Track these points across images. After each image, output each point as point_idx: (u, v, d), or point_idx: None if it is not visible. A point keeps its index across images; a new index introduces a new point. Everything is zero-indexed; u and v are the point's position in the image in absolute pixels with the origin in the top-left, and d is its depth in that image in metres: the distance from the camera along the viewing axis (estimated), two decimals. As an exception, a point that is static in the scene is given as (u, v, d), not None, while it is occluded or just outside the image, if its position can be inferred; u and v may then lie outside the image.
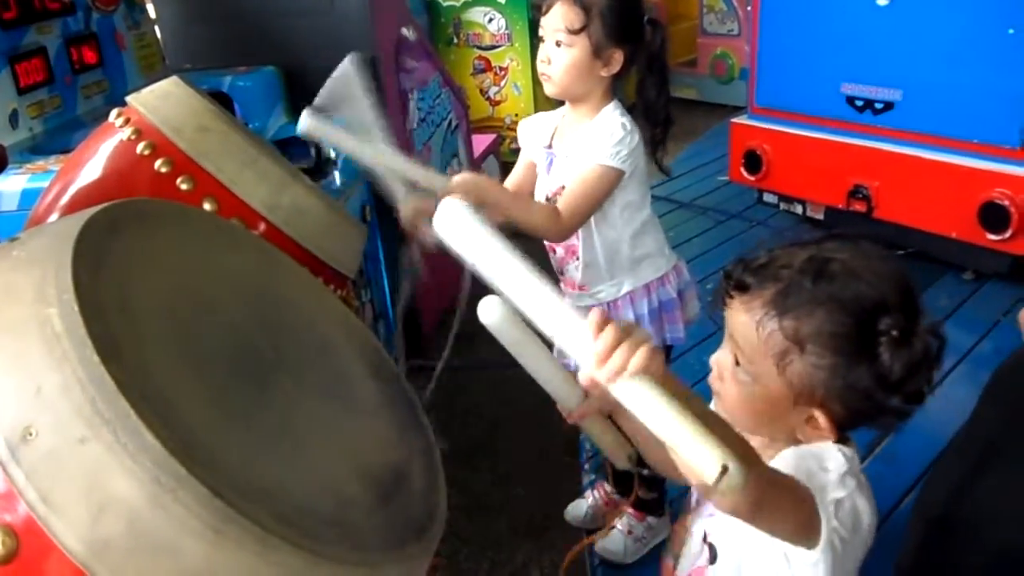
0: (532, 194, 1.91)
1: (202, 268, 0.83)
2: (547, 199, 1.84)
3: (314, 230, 1.39)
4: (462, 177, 1.60)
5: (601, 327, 0.74)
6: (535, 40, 5.31)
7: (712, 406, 1.09)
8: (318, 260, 1.39)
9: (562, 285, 1.95)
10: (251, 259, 0.94)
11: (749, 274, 1.02)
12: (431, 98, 3.54)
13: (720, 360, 1.08)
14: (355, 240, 1.51)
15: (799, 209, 4.03)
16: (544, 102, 5.35)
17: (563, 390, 1.02)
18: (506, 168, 4.70)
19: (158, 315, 0.72)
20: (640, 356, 0.72)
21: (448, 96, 3.73)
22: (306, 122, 1.56)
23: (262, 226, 1.34)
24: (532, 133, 1.95)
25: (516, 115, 5.48)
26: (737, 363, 1.03)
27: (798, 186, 3.96)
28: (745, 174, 4.10)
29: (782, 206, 4.11)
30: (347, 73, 1.58)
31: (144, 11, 3.08)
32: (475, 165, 4.10)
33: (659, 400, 0.70)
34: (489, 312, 0.88)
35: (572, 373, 0.96)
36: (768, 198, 4.16)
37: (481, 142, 4.43)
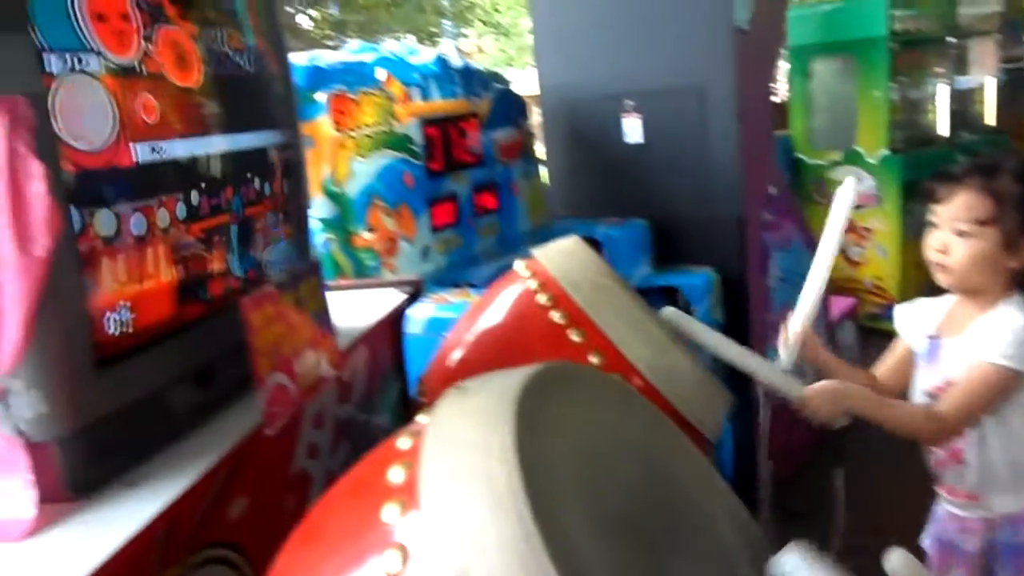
0: (893, 388, 1.79)
1: (609, 436, 0.89)
2: (927, 393, 1.70)
3: (687, 393, 1.41)
4: (820, 387, 1.56)
5: None
6: (907, 204, 5.06)
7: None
8: (687, 423, 1.41)
9: (942, 492, 1.76)
10: (644, 424, 0.98)
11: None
12: (793, 259, 3.49)
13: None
14: (722, 406, 1.50)
15: None
16: (913, 269, 5.04)
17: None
18: (864, 334, 4.45)
19: (573, 477, 0.78)
20: None
21: (810, 258, 3.64)
22: (669, 311, 1.64)
23: (638, 381, 1.39)
24: (914, 320, 1.82)
25: (879, 279, 5.19)
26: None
27: None
28: None
29: None
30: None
31: (538, 164, 3.46)
32: (831, 328, 3.92)
33: None
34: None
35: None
36: None
37: (839, 304, 4.24)
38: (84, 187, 0.95)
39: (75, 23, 0.95)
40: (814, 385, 1.56)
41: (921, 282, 1.81)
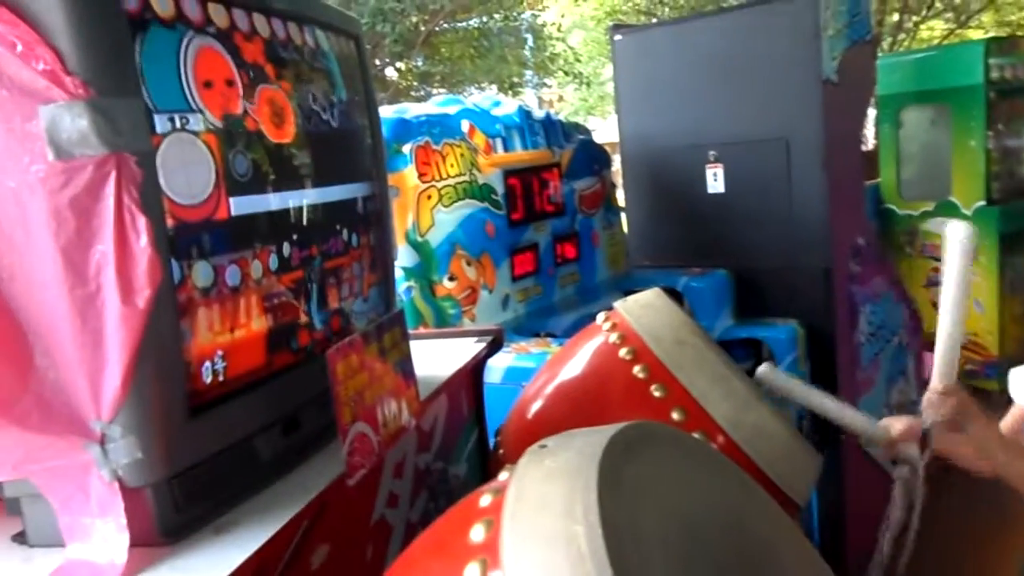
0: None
1: (694, 498, 0.86)
2: None
3: (773, 454, 1.37)
4: (962, 398, 1.48)
5: None
6: (1004, 257, 4.85)
7: None
8: (773, 484, 1.36)
9: None
10: (733, 490, 0.95)
11: None
12: (884, 312, 3.37)
13: None
14: (811, 469, 1.45)
15: None
16: (1012, 325, 4.81)
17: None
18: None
19: (659, 544, 0.76)
20: None
21: (902, 311, 3.52)
22: (763, 370, 1.60)
23: (721, 439, 1.36)
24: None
25: (976, 335, 4.96)
26: None
27: None
28: None
29: None
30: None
31: (618, 213, 3.46)
32: (924, 386, 3.76)
33: None
34: None
35: None
36: None
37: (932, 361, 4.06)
38: (184, 240, 0.99)
39: (183, 86, 1.01)
40: (959, 388, 1.48)
41: (1020, 338, 1.72)
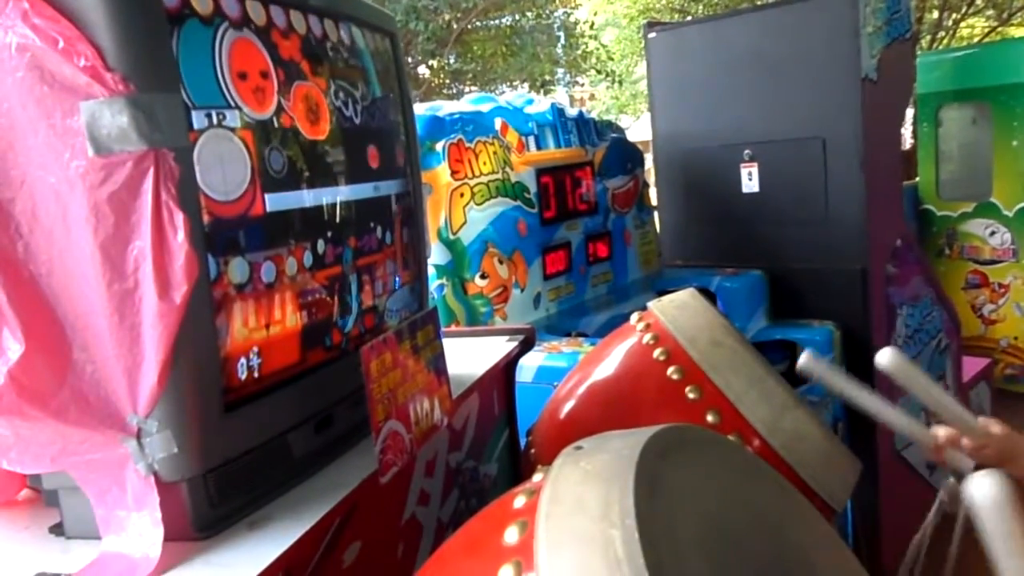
0: None
1: (730, 502, 0.85)
2: None
3: (810, 458, 1.34)
4: (1003, 434, 1.42)
5: None
6: (1048, 258, 4.75)
7: None
8: (810, 489, 1.34)
9: None
10: (770, 495, 0.94)
11: None
12: (921, 315, 3.31)
13: None
14: (850, 474, 1.42)
15: None
16: (1054, 327, 4.70)
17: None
18: (999, 397, 4.16)
19: (695, 547, 0.74)
20: None
21: (940, 314, 3.46)
22: (805, 360, 1.54)
23: (757, 443, 1.34)
24: None
25: (1015, 338, 4.86)
26: None
27: None
28: None
29: None
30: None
31: (651, 212, 3.43)
32: (964, 391, 3.69)
33: None
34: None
35: None
36: None
37: (972, 365, 3.99)
38: (220, 236, 0.99)
39: (219, 81, 1.01)
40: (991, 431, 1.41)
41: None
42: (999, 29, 11.98)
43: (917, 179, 5.44)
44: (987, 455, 1.42)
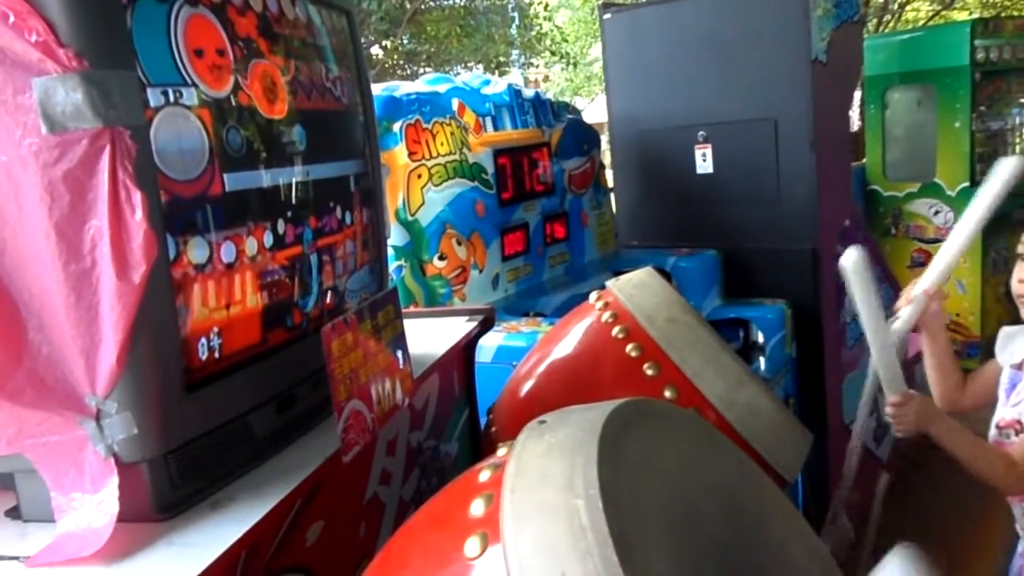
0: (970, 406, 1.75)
1: (689, 472, 0.87)
2: (998, 427, 1.63)
3: (764, 431, 1.38)
4: (919, 399, 1.55)
5: None
6: (987, 238, 4.89)
7: None
8: (764, 462, 1.37)
9: None
10: (727, 464, 0.96)
11: None
12: (869, 292, 3.39)
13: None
14: (801, 446, 1.46)
15: None
16: (993, 305, 4.85)
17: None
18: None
19: (657, 517, 0.77)
20: None
21: (887, 292, 3.55)
22: (853, 256, 1.60)
23: (713, 417, 1.37)
24: (1009, 345, 1.73)
25: (957, 315, 5.01)
26: None
27: None
28: None
29: None
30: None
31: (607, 193, 3.46)
32: (908, 366, 3.79)
33: None
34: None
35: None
36: None
37: (916, 341, 4.09)
38: (178, 215, 0.98)
39: (175, 59, 0.99)
40: (913, 394, 1.57)
41: (1002, 318, 1.74)
42: (943, 13, 12.25)
43: (865, 160, 5.56)
44: (908, 421, 1.51)
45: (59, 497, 0.93)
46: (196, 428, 1.00)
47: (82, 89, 0.84)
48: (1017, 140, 5.40)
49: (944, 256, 1.68)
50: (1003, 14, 10.94)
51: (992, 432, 1.66)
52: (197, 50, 1.03)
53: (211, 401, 1.03)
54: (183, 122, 1.00)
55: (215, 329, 1.04)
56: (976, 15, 11.10)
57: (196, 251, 1.01)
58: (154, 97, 0.95)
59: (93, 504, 0.92)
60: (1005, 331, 1.77)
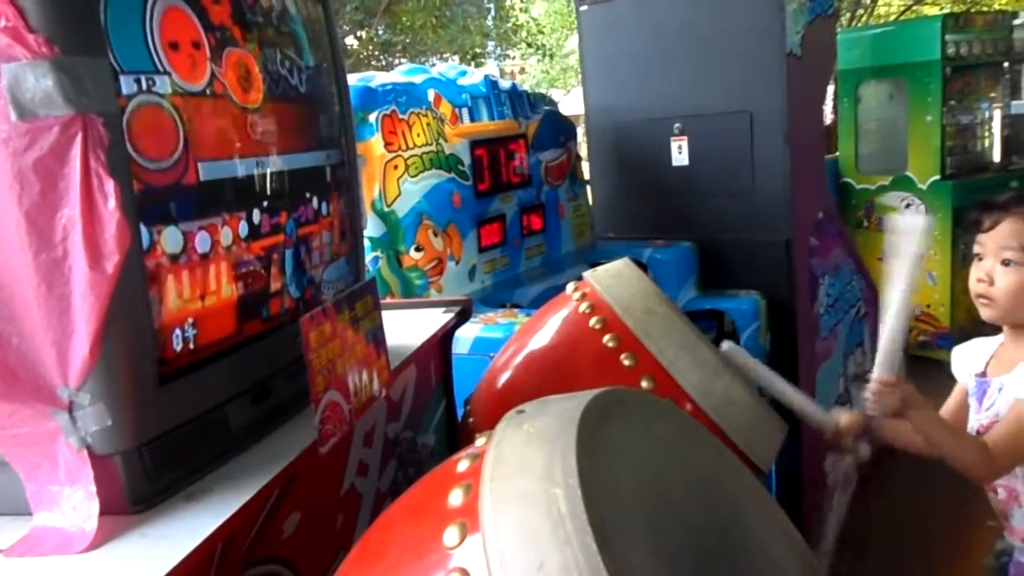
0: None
1: (667, 461, 0.88)
2: (977, 433, 1.66)
3: (740, 421, 1.39)
4: (906, 388, 1.53)
5: None
6: (957, 231, 4.96)
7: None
8: (739, 452, 1.39)
9: (1006, 535, 1.71)
10: (704, 453, 0.97)
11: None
12: (842, 284, 3.44)
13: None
14: (776, 436, 1.48)
15: None
16: (963, 297, 4.93)
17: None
18: (912, 362, 4.34)
19: (635, 505, 0.77)
20: None
21: (860, 283, 3.59)
22: (726, 347, 1.60)
23: (689, 407, 1.38)
24: (966, 359, 1.78)
25: (928, 306, 5.09)
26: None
27: None
28: None
29: None
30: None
31: (583, 185, 3.46)
32: (880, 356, 3.85)
33: None
34: None
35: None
36: None
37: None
38: (152, 205, 0.97)
39: (149, 47, 0.98)
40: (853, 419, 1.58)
41: (971, 310, 1.77)
42: (914, 8, 12.39)
43: (837, 153, 5.61)
44: (890, 403, 1.52)
45: (34, 488, 0.92)
46: (171, 419, 0.99)
47: (52, 76, 0.83)
48: (986, 134, 5.48)
49: (885, 341, 1.61)
50: (973, 9, 11.08)
51: None
52: (172, 43, 1.02)
53: (186, 392, 1.02)
54: (156, 110, 0.99)
55: (190, 320, 1.03)
56: (947, 10, 11.24)
57: (170, 241, 1.00)
58: (127, 85, 0.94)
59: (72, 499, 0.91)
60: (955, 352, 1.83)
